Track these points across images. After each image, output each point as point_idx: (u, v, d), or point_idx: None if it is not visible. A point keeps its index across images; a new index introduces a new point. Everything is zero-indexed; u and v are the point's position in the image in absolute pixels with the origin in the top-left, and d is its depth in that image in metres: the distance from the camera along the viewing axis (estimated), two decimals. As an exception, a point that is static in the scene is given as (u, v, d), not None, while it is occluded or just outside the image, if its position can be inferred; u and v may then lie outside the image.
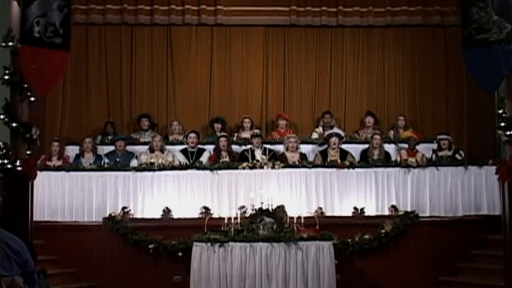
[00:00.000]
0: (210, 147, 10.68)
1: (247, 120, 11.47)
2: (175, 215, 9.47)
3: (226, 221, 8.72)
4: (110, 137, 11.23)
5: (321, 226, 8.79)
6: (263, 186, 9.51)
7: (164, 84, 12.11)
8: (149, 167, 9.77)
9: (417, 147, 10.65)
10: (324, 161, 10.09)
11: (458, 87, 12.07)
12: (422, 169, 9.80)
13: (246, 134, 11.22)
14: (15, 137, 8.06)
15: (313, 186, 9.72)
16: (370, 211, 9.59)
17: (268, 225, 8.57)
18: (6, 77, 8.02)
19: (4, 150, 7.85)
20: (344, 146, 10.56)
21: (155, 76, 12.10)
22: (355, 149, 10.70)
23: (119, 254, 9.24)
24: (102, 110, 11.92)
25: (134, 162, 10.27)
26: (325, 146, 10.60)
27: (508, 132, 8.13)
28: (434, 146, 10.63)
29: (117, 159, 10.35)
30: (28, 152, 8.13)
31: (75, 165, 10.02)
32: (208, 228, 8.70)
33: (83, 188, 9.66)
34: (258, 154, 10.35)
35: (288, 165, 9.89)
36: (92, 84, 11.94)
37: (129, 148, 10.74)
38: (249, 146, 10.63)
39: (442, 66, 12.20)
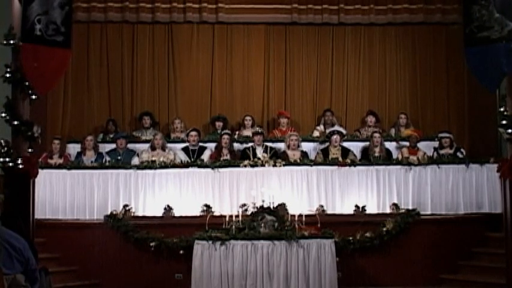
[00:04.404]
0: (211, 145, 10.68)
1: (248, 118, 11.48)
2: (177, 213, 9.47)
3: (227, 219, 8.73)
4: (111, 135, 11.24)
5: (322, 224, 8.81)
6: (264, 184, 9.50)
7: (165, 82, 12.10)
8: (150, 165, 9.77)
9: (418, 145, 10.65)
10: (325, 159, 10.09)
11: (460, 85, 12.04)
12: (424, 167, 9.79)
13: (247, 132, 11.22)
14: (17, 135, 8.06)
15: (315, 184, 9.71)
16: (372, 209, 9.59)
17: (270, 223, 8.58)
18: (8, 75, 8.02)
19: (5, 148, 7.85)
20: (345, 144, 10.55)
21: (156, 74, 12.09)
22: (356, 147, 10.70)
23: (121, 252, 9.25)
24: (103, 108, 11.91)
25: (135, 160, 10.28)
26: (327, 144, 10.60)
27: (510, 130, 8.13)
28: (436, 144, 10.61)
29: (119, 157, 10.34)
30: (29, 150, 8.14)
31: (77, 163, 10.04)
32: (210, 226, 8.71)
33: (84, 186, 9.66)
34: (260, 152, 10.35)
35: (289, 163, 9.89)
36: (93, 82, 11.93)
37: (130, 146, 10.75)
38: (250, 144, 10.63)
39: (443, 64, 12.17)
